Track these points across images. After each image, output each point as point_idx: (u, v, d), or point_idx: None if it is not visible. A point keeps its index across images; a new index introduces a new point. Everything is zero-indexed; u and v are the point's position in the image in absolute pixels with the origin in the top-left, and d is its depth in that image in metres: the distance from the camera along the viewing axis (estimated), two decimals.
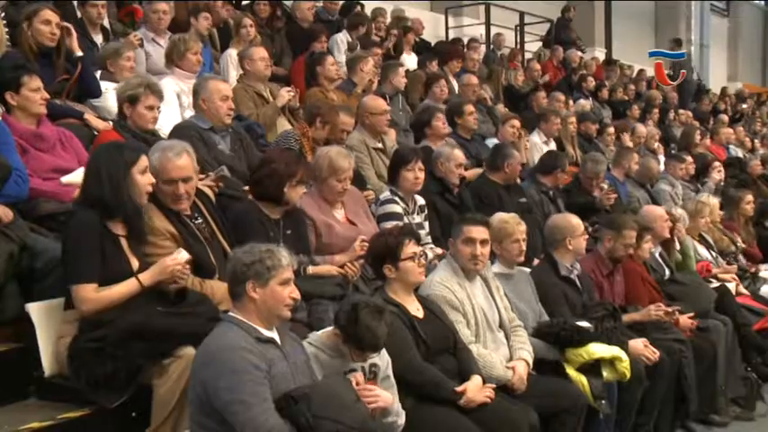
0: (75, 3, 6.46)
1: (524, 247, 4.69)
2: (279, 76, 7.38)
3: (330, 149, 4.81)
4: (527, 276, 4.85)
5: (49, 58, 5.03)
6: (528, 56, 14.18)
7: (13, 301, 3.50)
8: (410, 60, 10.27)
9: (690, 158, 8.98)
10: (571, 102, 10.81)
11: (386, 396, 3.25)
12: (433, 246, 5.17)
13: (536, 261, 5.37)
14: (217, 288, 3.63)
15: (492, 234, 4.32)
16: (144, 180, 3.47)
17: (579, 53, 13.77)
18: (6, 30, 5.30)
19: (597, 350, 4.41)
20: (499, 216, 4.73)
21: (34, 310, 3.43)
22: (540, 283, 4.82)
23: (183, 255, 3.44)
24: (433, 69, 9.30)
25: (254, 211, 4.20)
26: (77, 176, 4.04)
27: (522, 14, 15.10)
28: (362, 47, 9.04)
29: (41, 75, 4.32)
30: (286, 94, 6.32)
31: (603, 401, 4.38)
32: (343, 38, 9.25)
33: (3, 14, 5.30)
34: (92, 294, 3.28)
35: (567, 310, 4.75)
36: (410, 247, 3.83)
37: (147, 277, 3.37)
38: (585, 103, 11.16)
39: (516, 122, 7.69)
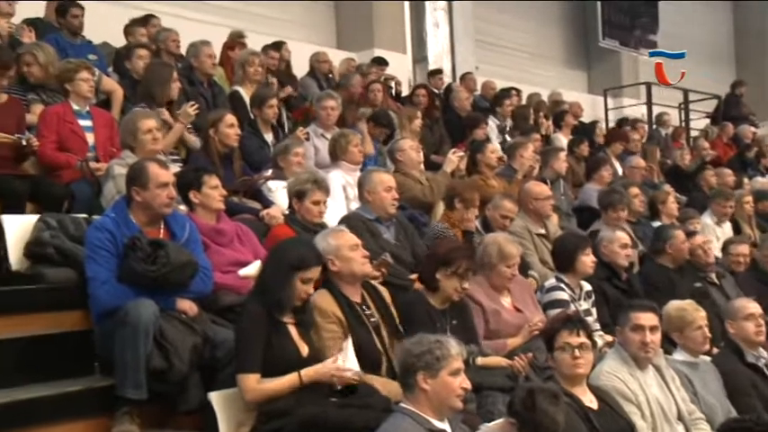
0: (249, 105, 6.92)
1: (708, 334, 4.45)
2: (439, 165, 7.53)
3: (497, 236, 4.90)
4: (713, 367, 4.57)
5: (229, 160, 5.43)
6: (694, 134, 13.70)
7: (196, 391, 3.67)
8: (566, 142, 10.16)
9: None
10: (746, 180, 10.28)
11: None
12: (602, 333, 5.00)
13: (715, 350, 5.07)
14: (377, 383, 3.65)
15: (671, 323, 4.14)
16: (303, 288, 3.55)
17: (752, 128, 13.13)
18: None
19: None
20: (675, 304, 4.53)
21: (216, 398, 3.56)
22: (723, 373, 4.52)
23: (344, 360, 3.51)
24: (583, 153, 9.14)
25: (420, 302, 4.24)
26: (253, 269, 4.25)
27: (686, 92, 14.69)
28: (521, 133, 9.07)
29: (223, 175, 4.63)
30: (455, 158, 6.43)
31: None
32: (492, 124, 9.34)
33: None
34: (254, 384, 3.40)
35: (758, 403, 4.40)
36: (564, 337, 3.71)
37: (308, 375, 3.44)
38: (763, 181, 10.56)
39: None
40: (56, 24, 7.26)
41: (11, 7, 6.76)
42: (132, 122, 4.94)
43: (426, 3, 12.67)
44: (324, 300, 3.82)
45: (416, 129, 7.67)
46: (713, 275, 6.33)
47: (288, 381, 3.42)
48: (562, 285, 5.10)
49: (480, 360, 4.12)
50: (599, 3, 15.35)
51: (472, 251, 4.68)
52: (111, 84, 6.48)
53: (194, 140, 5.80)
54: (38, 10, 7.59)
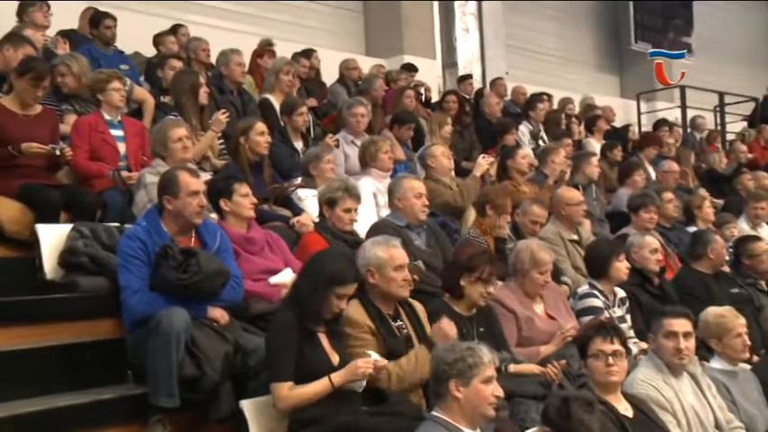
0: (279, 113, 6.94)
1: (748, 342, 4.36)
2: (469, 171, 7.49)
3: (530, 242, 4.85)
4: (752, 375, 4.48)
5: (260, 168, 5.45)
6: (730, 137, 13.50)
7: (228, 399, 3.67)
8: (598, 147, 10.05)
9: None
10: None
11: None
12: (636, 340, 4.93)
13: (755, 358, 4.97)
14: (402, 362, 3.66)
15: (709, 330, 4.06)
16: (336, 303, 3.54)
17: None
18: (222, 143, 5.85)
19: None
20: (713, 310, 4.44)
21: (247, 406, 3.56)
22: (763, 382, 4.42)
23: (374, 356, 3.50)
24: (616, 158, 9.04)
25: (444, 311, 4.16)
26: (284, 277, 4.26)
27: (721, 95, 14.47)
28: (553, 138, 9.00)
29: (254, 183, 4.64)
30: (485, 163, 6.40)
31: None
32: (524, 129, 9.28)
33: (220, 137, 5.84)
34: (286, 392, 3.40)
35: None
36: (597, 345, 3.65)
37: (338, 378, 3.44)
38: None
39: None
40: (89, 36, 7.36)
41: (46, 20, 6.88)
42: (162, 131, 4.99)
43: (456, 7, 12.66)
44: (356, 311, 3.80)
45: (446, 135, 7.64)
46: (763, 283, 6.20)
47: (319, 386, 3.41)
48: (595, 292, 5.03)
49: (513, 367, 4.08)
50: (631, 4, 15.21)
51: (494, 256, 4.63)
52: (143, 93, 6.55)
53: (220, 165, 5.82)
54: (72, 22, 7.71)
